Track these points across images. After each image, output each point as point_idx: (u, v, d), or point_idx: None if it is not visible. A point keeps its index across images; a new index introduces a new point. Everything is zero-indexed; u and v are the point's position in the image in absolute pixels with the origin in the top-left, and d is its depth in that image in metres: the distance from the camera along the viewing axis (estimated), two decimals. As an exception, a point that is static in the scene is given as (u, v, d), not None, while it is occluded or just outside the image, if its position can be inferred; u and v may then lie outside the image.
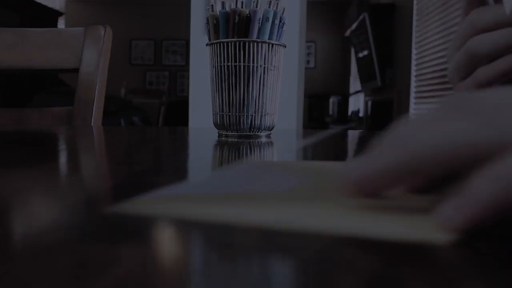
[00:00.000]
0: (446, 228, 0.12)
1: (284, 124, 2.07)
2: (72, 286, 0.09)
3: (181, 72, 6.03)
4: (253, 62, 0.50)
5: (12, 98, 3.46)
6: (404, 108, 3.51)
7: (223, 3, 0.51)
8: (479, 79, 0.28)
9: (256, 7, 0.50)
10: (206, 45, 0.53)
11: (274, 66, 0.51)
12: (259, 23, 0.49)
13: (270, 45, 0.50)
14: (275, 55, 0.51)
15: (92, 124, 0.77)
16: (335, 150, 0.41)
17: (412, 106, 3.35)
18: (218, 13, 0.51)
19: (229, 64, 0.50)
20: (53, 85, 3.90)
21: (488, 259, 0.11)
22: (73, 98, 0.79)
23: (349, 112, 5.50)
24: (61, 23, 5.63)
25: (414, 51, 3.29)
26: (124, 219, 0.14)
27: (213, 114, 0.54)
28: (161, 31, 5.99)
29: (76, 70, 0.80)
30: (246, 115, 0.51)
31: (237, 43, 0.49)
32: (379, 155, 0.14)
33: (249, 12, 0.49)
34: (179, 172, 0.24)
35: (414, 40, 3.28)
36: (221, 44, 0.50)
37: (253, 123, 0.51)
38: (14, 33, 0.80)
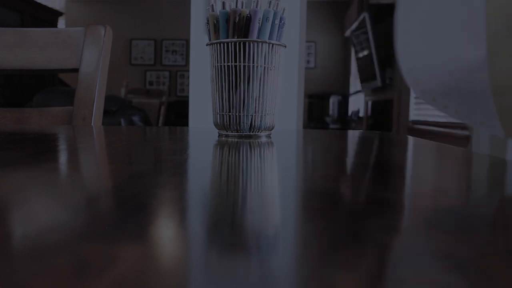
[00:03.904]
0: None
1: (284, 124, 2.07)
2: (72, 286, 0.09)
3: (181, 72, 6.03)
4: (253, 62, 0.50)
5: (12, 98, 3.46)
6: (404, 108, 3.51)
7: (223, 3, 0.51)
8: None
9: (256, 7, 0.50)
10: (206, 45, 0.53)
11: (274, 66, 0.51)
12: (259, 23, 0.49)
13: (270, 45, 0.50)
14: (275, 55, 0.51)
15: (92, 124, 0.77)
16: (336, 150, 0.41)
17: (412, 106, 3.35)
18: (218, 13, 0.51)
19: (229, 64, 0.50)
20: (53, 85, 3.90)
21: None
22: (73, 98, 0.79)
23: (349, 112, 5.50)
24: (61, 23, 5.63)
25: (414, 51, 3.28)
26: (124, 219, 0.14)
27: (213, 114, 0.54)
28: (161, 31, 5.99)
29: (76, 70, 0.80)
30: (246, 115, 0.51)
31: (237, 43, 0.49)
32: None
33: (249, 12, 0.49)
34: (179, 172, 0.24)
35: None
36: (221, 44, 0.50)
37: (253, 123, 0.51)
38: (14, 33, 0.80)
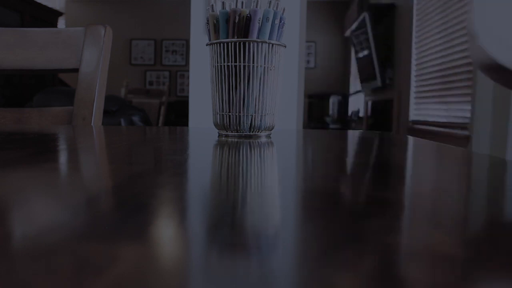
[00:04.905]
0: None
1: (284, 124, 2.07)
2: (72, 286, 0.09)
3: (181, 72, 6.03)
4: (253, 62, 0.50)
5: (12, 98, 3.46)
6: (404, 108, 3.51)
7: (223, 3, 0.51)
8: None
9: (256, 7, 0.50)
10: (206, 45, 0.53)
11: (274, 66, 0.51)
12: (259, 23, 0.49)
13: (270, 45, 0.50)
14: (275, 55, 0.51)
15: (92, 124, 0.77)
16: (335, 150, 0.41)
17: (412, 106, 3.35)
18: (218, 13, 0.51)
19: (229, 64, 0.50)
20: (53, 85, 3.90)
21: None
22: (73, 98, 0.79)
23: (349, 112, 5.50)
24: (61, 23, 5.63)
25: (414, 51, 3.29)
26: (124, 219, 0.14)
27: (213, 114, 0.54)
28: (161, 31, 5.99)
29: (76, 70, 0.80)
30: (246, 115, 0.51)
31: (237, 43, 0.49)
32: None
33: (249, 12, 0.49)
34: (179, 172, 0.24)
35: (414, 40, 3.28)
36: (221, 44, 0.50)
37: (253, 123, 0.51)
38: (14, 33, 0.80)
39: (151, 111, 3.10)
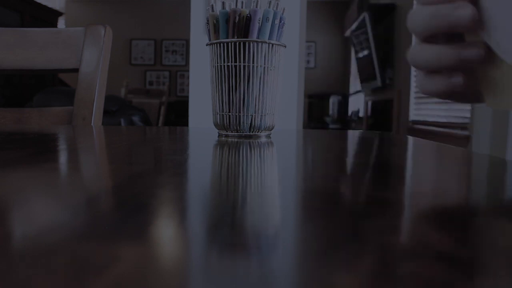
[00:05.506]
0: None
1: (284, 124, 2.07)
2: (72, 286, 0.09)
3: (181, 72, 6.03)
4: (253, 62, 0.50)
5: (12, 98, 3.45)
6: (404, 108, 3.51)
7: (223, 3, 0.51)
8: (424, 89, 0.28)
9: (256, 7, 0.50)
10: (206, 45, 0.53)
11: (274, 66, 0.51)
12: (259, 23, 0.49)
13: (270, 45, 0.50)
14: (275, 55, 0.51)
15: (92, 124, 0.77)
16: (335, 150, 0.41)
17: (412, 106, 3.35)
18: (218, 13, 0.51)
19: (229, 64, 0.50)
20: (53, 85, 3.90)
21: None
22: (73, 98, 0.79)
23: (349, 112, 5.50)
24: (61, 23, 5.63)
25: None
26: (124, 219, 0.14)
27: (213, 114, 0.54)
28: (161, 31, 5.99)
29: (76, 70, 0.80)
30: (246, 115, 0.51)
31: (237, 43, 0.49)
32: None
33: (249, 12, 0.49)
34: (179, 172, 0.24)
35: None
36: (221, 44, 0.50)
37: (253, 123, 0.51)
38: (14, 33, 0.80)
39: (151, 111, 3.09)
